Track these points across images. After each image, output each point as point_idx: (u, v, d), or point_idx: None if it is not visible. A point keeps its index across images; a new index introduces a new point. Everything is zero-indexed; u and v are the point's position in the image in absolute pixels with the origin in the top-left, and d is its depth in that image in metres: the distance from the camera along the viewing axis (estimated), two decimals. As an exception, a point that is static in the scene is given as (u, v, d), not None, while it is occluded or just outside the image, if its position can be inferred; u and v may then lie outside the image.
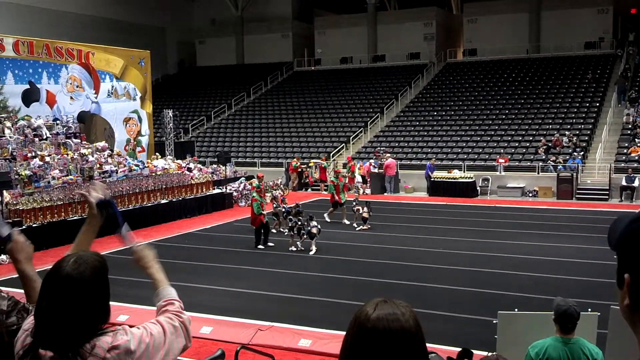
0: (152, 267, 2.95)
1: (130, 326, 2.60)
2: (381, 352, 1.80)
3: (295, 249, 17.13)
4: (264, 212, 17.88)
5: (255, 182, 19.58)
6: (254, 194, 18.17)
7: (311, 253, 16.72)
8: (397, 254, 16.67)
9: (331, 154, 34.92)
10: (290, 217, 17.63)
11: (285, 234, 19.48)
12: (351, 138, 36.88)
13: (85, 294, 2.36)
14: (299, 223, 17.10)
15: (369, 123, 38.32)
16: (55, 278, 2.40)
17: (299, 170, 31.84)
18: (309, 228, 16.93)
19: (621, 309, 1.51)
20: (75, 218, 19.28)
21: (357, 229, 20.30)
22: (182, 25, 54.44)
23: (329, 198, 22.16)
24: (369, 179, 30.63)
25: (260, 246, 17.69)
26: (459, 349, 2.46)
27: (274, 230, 20.05)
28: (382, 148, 33.62)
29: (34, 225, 18.09)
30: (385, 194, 29.61)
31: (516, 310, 7.06)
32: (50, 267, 2.49)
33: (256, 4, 52.52)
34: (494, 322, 7.10)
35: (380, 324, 1.81)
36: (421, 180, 29.99)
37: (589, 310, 5.73)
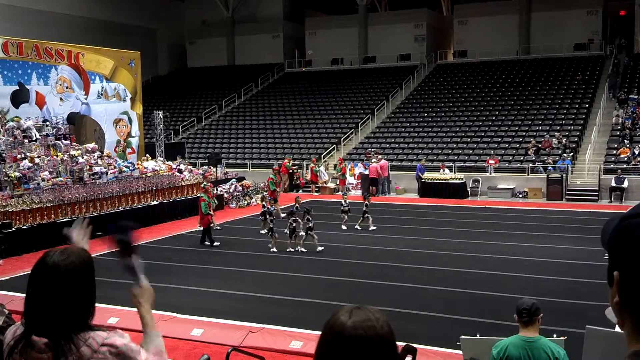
0: (144, 307, 2.90)
1: None
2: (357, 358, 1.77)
3: (292, 249, 17.26)
4: (212, 213, 18.46)
5: (204, 182, 20.61)
6: (202, 195, 18.76)
7: (317, 249, 16.90)
8: (389, 255, 16.69)
9: (322, 155, 34.92)
10: (291, 219, 17.56)
11: (263, 232, 19.60)
12: (342, 139, 36.89)
13: (72, 282, 2.39)
14: (293, 224, 17.17)
15: (359, 124, 38.34)
16: (42, 268, 2.42)
17: (290, 171, 31.84)
18: (309, 224, 16.96)
19: (612, 306, 1.54)
20: (65, 220, 19.18)
21: (348, 226, 20.59)
22: (172, 26, 54.31)
23: (269, 194, 23.65)
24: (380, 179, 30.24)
25: (206, 242, 18.38)
26: (404, 344, 2.44)
27: (262, 232, 20.03)
28: (372, 149, 33.66)
29: (24, 227, 17.99)
30: (377, 195, 29.63)
31: (478, 335, 7.05)
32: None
33: (247, 5, 52.48)
34: (457, 343, 7.10)
35: (357, 332, 1.78)
36: (412, 182, 30.01)
37: (554, 335, 5.74)
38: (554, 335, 5.70)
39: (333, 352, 1.80)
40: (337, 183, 31.24)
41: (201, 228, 19.80)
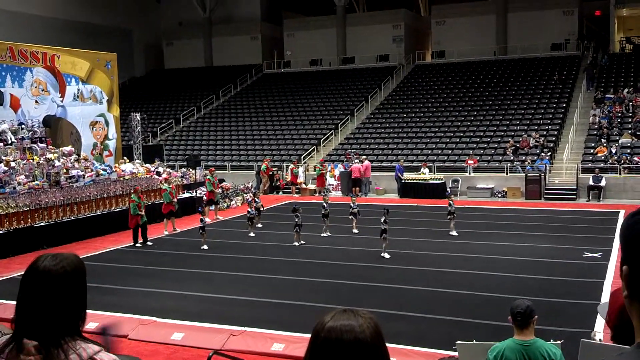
0: None
1: None
2: None
3: (297, 244, 18.02)
4: (141, 213, 18.95)
5: (165, 185, 22.05)
6: (133, 196, 19.42)
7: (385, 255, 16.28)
8: (368, 256, 16.66)
9: (302, 157, 34.84)
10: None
11: (251, 235, 19.56)
12: (322, 140, 36.84)
13: (62, 287, 2.36)
14: (298, 220, 18.03)
15: (339, 125, 38.32)
16: (33, 272, 2.38)
17: (270, 173, 31.71)
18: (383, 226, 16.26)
19: (624, 299, 1.55)
20: (42, 224, 18.92)
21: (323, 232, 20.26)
22: (149, 27, 53.89)
23: (206, 195, 24.37)
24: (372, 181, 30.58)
25: (137, 244, 18.87)
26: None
27: (252, 234, 19.87)
28: (352, 150, 33.66)
29: (0, 232, 17.69)
30: (360, 196, 29.61)
31: (474, 340, 7.06)
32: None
33: (224, 6, 52.23)
34: (453, 347, 7.08)
35: (333, 334, 1.79)
36: (392, 182, 30.06)
37: (551, 340, 5.73)
38: (551, 340, 5.69)
39: (312, 352, 1.83)
40: (314, 182, 31.12)
41: (166, 233, 20.85)
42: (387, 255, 16.11)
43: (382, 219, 16.22)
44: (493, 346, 5.33)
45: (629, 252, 1.50)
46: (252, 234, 19.98)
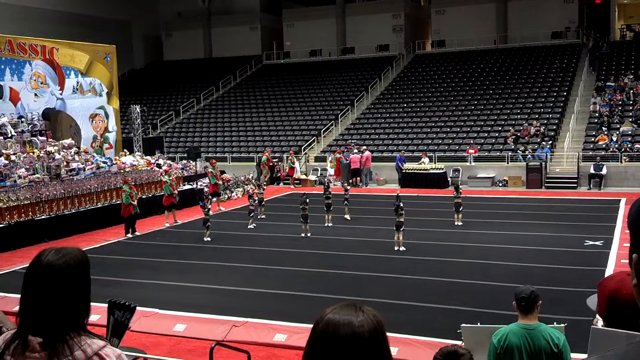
0: None
1: None
2: (329, 355, 1.78)
3: (304, 235, 17.96)
4: (133, 203, 19.14)
5: (166, 177, 22.10)
6: (124, 186, 19.57)
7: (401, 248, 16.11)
8: (370, 246, 16.67)
9: (302, 148, 34.81)
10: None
11: (249, 227, 19.53)
12: (322, 131, 36.80)
13: (66, 281, 2.35)
14: (305, 211, 17.94)
15: (339, 116, 38.26)
16: (36, 267, 2.37)
17: (271, 164, 31.69)
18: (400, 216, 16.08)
19: (633, 288, 1.50)
20: (43, 217, 18.93)
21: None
22: (148, 18, 53.65)
23: (209, 188, 24.40)
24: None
25: (129, 235, 19.05)
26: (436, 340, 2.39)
27: (251, 227, 19.85)
28: (353, 140, 33.62)
29: (0, 225, 17.69)
30: (360, 186, 29.65)
31: (479, 323, 7.07)
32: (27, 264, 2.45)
33: (223, -3, 52.09)
34: (458, 332, 7.07)
35: (330, 327, 1.79)
36: (393, 172, 30.04)
37: (555, 323, 5.72)
38: (555, 323, 5.69)
39: (310, 343, 1.83)
40: (314, 173, 31.13)
41: (167, 225, 20.86)
42: (402, 248, 15.99)
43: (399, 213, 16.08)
44: (497, 330, 5.35)
45: (638, 239, 1.46)
46: (250, 226, 19.88)
